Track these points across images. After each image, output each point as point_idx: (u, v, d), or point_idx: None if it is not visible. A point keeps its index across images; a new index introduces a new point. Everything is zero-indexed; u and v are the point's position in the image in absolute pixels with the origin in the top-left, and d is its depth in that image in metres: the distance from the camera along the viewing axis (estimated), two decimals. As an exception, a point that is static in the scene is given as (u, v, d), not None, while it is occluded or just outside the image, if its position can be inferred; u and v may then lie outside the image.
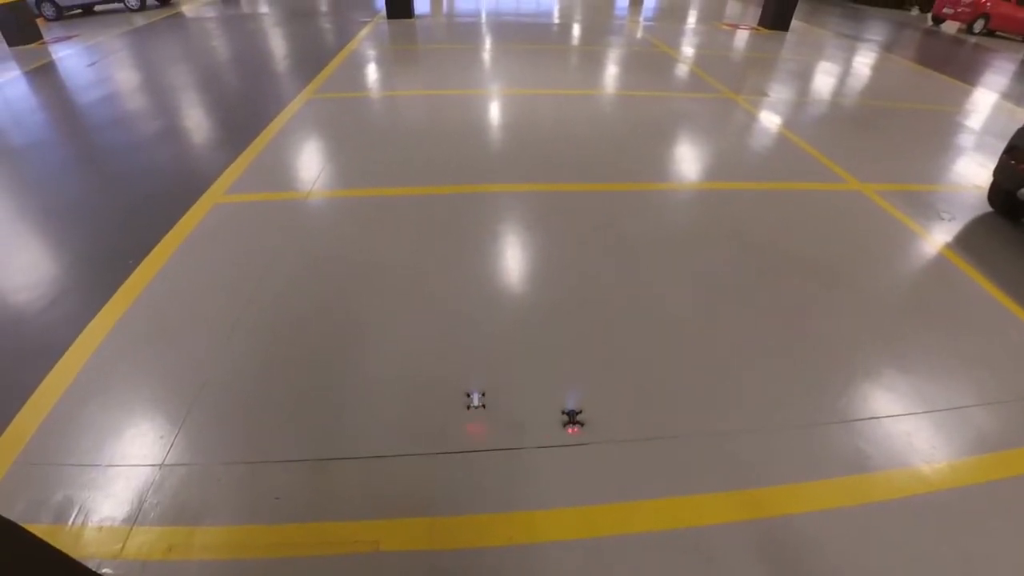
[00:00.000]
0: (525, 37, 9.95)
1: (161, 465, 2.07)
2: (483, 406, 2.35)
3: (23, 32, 10.34)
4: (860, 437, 2.30)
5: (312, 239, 3.57)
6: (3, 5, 9.96)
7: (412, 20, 11.11)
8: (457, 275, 3.24)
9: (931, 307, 3.18)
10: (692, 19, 12.86)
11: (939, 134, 6.20)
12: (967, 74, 9.44)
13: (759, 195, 4.37)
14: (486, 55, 8.55)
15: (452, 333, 2.77)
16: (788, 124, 6.02)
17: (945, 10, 14.99)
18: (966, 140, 6.08)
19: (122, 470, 2.06)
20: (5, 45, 10.09)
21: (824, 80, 8.22)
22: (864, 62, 9.69)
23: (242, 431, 2.23)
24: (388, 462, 2.11)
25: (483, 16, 12.06)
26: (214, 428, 2.23)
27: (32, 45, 10.22)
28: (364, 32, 9.95)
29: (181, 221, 3.74)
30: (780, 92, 7.26)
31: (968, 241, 3.90)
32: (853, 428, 2.34)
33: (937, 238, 3.92)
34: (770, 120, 6.14)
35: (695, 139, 5.54)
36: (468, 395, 2.39)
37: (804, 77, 8.23)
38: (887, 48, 11.31)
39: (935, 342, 2.88)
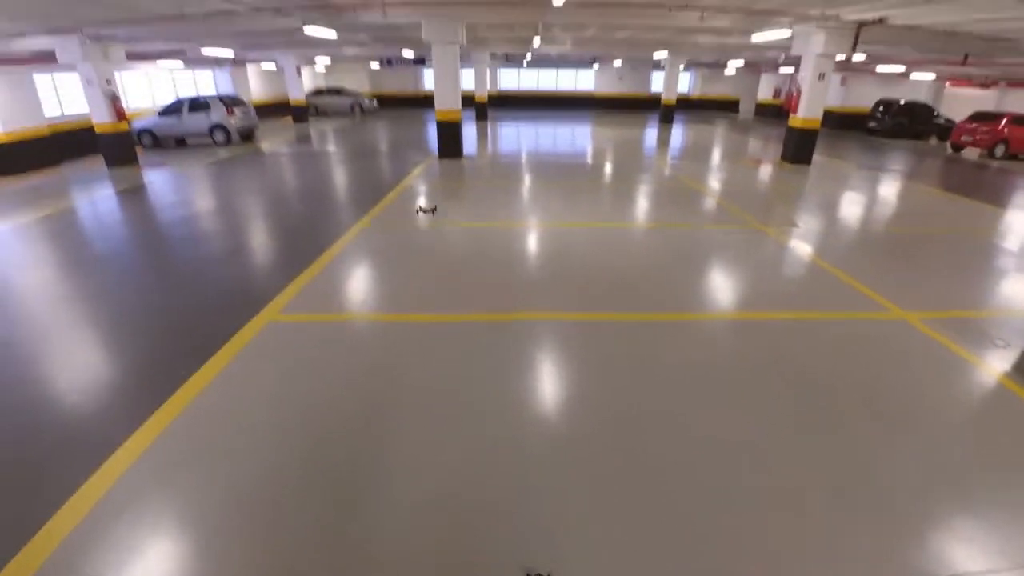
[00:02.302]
0: (562, 175, 10.85)
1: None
2: None
3: (122, 156, 12.20)
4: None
5: (359, 362, 3.72)
6: (110, 133, 11.85)
7: (461, 160, 12.40)
8: (495, 404, 3.26)
9: (1000, 444, 2.93)
10: (717, 157, 13.79)
11: (978, 258, 6.16)
12: (996, 197, 9.57)
13: (798, 326, 4.33)
14: (526, 191, 9.31)
15: (485, 468, 2.73)
16: (821, 253, 6.13)
17: (963, 138, 15.62)
18: (1007, 262, 6.01)
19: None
20: (105, 165, 11.82)
21: (853, 209, 8.46)
22: (891, 191, 9.99)
23: (269, 565, 2.18)
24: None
25: (524, 157, 13.34)
26: (242, 553, 2.19)
27: (128, 168, 11.89)
28: (418, 170, 11.13)
29: (236, 336, 4.00)
30: (810, 222, 7.49)
31: (1031, 372, 3.69)
32: (930, 585, 2.07)
33: (995, 367, 3.73)
34: (802, 250, 6.27)
35: (728, 270, 5.67)
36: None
37: (832, 207, 8.51)
38: (912, 177, 11.68)
39: (1011, 484, 2.61)
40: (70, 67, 11.55)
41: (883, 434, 2.99)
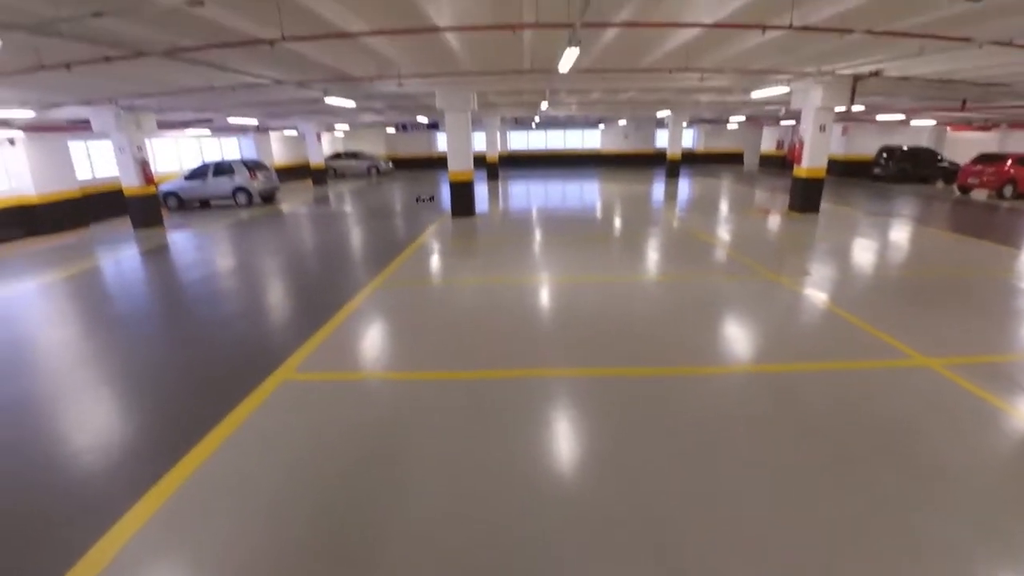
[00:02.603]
0: (572, 230, 11.06)
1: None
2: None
3: (148, 217, 12.78)
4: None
5: (371, 424, 3.70)
6: (137, 196, 12.44)
7: (473, 218, 12.73)
8: (509, 467, 3.21)
9: (1044, 499, 2.78)
10: (725, 208, 13.97)
11: (998, 300, 6.05)
12: (1010, 238, 9.51)
13: (818, 376, 4.24)
14: (538, 246, 9.47)
15: (495, 536, 2.65)
16: (836, 301, 6.07)
17: (971, 180, 15.70)
18: (1031, 307, 5.89)
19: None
20: (131, 226, 12.33)
21: (865, 256, 8.44)
22: (903, 235, 9.98)
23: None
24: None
25: (534, 213, 13.66)
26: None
27: (153, 229, 12.38)
28: (432, 228, 11.42)
29: (251, 395, 4.02)
30: (822, 270, 7.47)
31: (1068, 421, 3.54)
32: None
33: (1029, 416, 3.59)
34: (817, 298, 6.23)
35: (743, 321, 5.62)
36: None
37: (844, 254, 8.49)
38: (922, 220, 11.68)
39: (1061, 543, 2.46)
40: (103, 135, 12.32)
41: (916, 487, 2.85)
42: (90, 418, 3.84)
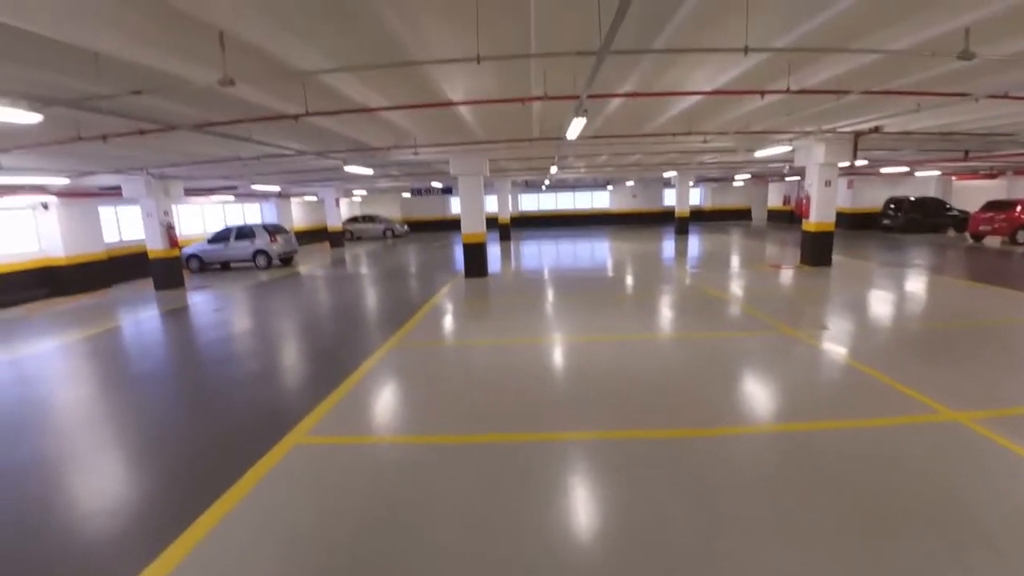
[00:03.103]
0: (584, 288, 11.09)
1: None
2: None
3: (169, 279, 13.13)
4: None
5: (383, 489, 3.63)
6: (161, 258, 12.85)
7: (486, 278, 12.90)
8: (525, 535, 3.10)
9: (1100, 567, 2.58)
10: (736, 263, 13.99)
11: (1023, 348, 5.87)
12: (1027, 284, 9.32)
13: (843, 435, 4.08)
14: (550, 306, 9.46)
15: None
16: (855, 355, 5.93)
17: (982, 227, 15.65)
18: (1060, 356, 5.69)
19: None
20: (153, 287, 12.66)
21: (882, 308, 8.32)
22: (919, 286, 9.87)
23: None
24: None
25: (546, 272, 13.82)
26: None
27: (175, 290, 12.69)
28: (445, 289, 11.57)
29: (262, 460, 3.97)
30: (839, 324, 7.35)
31: (1116, 480, 3.34)
32: None
33: (1072, 475, 3.40)
34: (836, 353, 6.10)
35: (760, 378, 5.49)
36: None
37: (860, 308, 8.38)
38: (937, 270, 11.56)
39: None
40: (133, 200, 12.92)
41: (956, 556, 2.67)
42: (96, 482, 3.81)
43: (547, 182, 26.15)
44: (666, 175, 22.45)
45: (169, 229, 12.98)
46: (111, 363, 6.91)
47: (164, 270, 13.05)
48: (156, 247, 12.86)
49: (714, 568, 2.66)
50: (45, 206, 12.37)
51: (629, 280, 12.03)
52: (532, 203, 31.95)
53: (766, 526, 2.99)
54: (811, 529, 2.95)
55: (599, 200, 31.82)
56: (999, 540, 2.79)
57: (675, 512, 3.15)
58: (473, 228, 12.87)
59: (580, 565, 2.73)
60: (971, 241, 16.26)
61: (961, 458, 3.64)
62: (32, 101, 4.56)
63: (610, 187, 30.13)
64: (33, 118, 4.66)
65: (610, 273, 13.34)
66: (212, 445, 4.33)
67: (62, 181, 10.54)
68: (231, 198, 19.88)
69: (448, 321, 8.59)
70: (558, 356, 6.42)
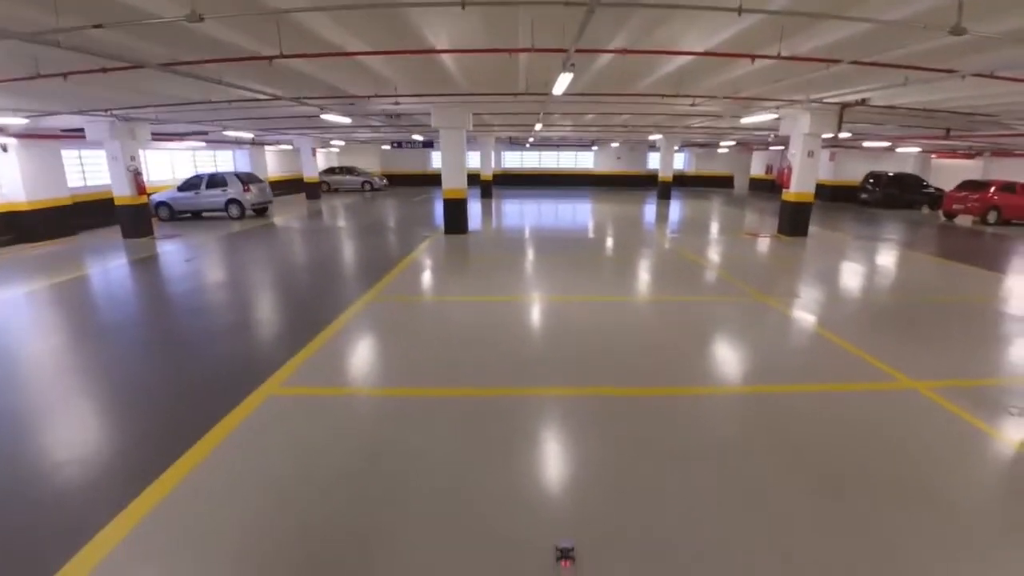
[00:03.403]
0: (564, 249, 11.12)
1: None
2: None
3: (137, 227, 12.69)
4: None
5: (355, 440, 3.66)
6: (128, 205, 12.37)
7: (466, 235, 12.77)
8: (495, 486, 3.18)
9: (1028, 525, 2.79)
10: (715, 230, 14.14)
11: (984, 324, 6.15)
12: (993, 263, 9.73)
13: (805, 398, 4.26)
14: (529, 265, 9.50)
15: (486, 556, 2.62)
16: (824, 323, 6.13)
17: (955, 206, 16.05)
18: (1012, 328, 5.98)
19: None
20: (121, 236, 12.25)
21: (853, 279, 8.56)
22: (890, 260, 10.15)
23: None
24: None
25: (527, 231, 13.74)
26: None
27: (143, 239, 12.29)
28: (424, 245, 11.44)
29: (236, 410, 3.96)
30: (810, 293, 7.55)
31: (1051, 446, 3.58)
32: None
33: (1013, 437, 3.62)
34: (805, 320, 6.29)
35: (731, 342, 5.66)
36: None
37: (832, 278, 8.61)
38: (909, 245, 11.89)
39: (1045, 570, 2.46)
40: (97, 144, 12.28)
41: (902, 515, 2.85)
42: (69, 431, 3.77)
43: (531, 140, 25.64)
44: (652, 138, 22.21)
45: (136, 175, 12.40)
46: (79, 312, 6.71)
47: (132, 218, 12.55)
48: (123, 193, 12.31)
49: (671, 515, 2.79)
50: (4, 148, 11.65)
51: (609, 242, 12.07)
52: (515, 160, 31.40)
53: (722, 477, 3.12)
54: (759, 484, 3.10)
55: (583, 160, 31.44)
56: (941, 495, 2.98)
57: (633, 462, 3.26)
58: (454, 184, 12.62)
59: (545, 504, 2.83)
60: (944, 219, 16.66)
61: (914, 423, 3.84)
62: (-19, 30, 4.20)
63: (595, 147, 29.74)
64: (-18, 48, 4.31)
65: (591, 234, 13.35)
66: (183, 395, 4.30)
67: (21, 121, 9.90)
68: (202, 144, 19.03)
69: (427, 276, 8.54)
70: (535, 314, 6.48)
